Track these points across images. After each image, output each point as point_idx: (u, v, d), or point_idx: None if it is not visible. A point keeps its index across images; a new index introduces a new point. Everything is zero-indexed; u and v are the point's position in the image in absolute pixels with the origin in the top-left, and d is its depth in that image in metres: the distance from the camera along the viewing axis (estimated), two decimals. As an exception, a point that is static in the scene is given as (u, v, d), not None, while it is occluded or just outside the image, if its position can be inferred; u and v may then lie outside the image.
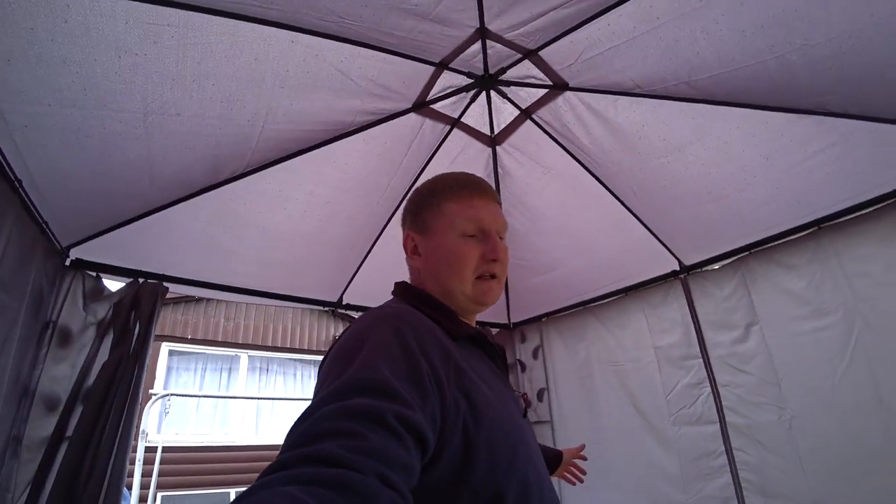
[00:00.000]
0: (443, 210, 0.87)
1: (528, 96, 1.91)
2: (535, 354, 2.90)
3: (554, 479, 1.25)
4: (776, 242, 2.01)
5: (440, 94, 1.86)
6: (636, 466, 2.34)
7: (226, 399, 7.64)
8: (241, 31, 1.35)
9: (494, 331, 3.00)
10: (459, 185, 0.90)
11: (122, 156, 1.51)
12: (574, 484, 1.44)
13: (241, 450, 7.15)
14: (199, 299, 7.43)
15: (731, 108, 1.63)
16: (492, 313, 2.97)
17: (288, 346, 8.18)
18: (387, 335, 0.66)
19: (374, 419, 0.52)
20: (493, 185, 2.23)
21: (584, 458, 1.48)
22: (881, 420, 1.67)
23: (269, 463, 0.47)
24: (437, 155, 2.08)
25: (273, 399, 8.02)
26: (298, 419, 0.55)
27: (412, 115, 1.88)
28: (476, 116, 2.03)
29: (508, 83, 1.86)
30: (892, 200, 1.72)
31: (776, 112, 1.62)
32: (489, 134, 2.10)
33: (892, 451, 1.65)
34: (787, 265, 1.98)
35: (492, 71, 1.78)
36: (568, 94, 1.85)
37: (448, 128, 2.03)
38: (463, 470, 0.63)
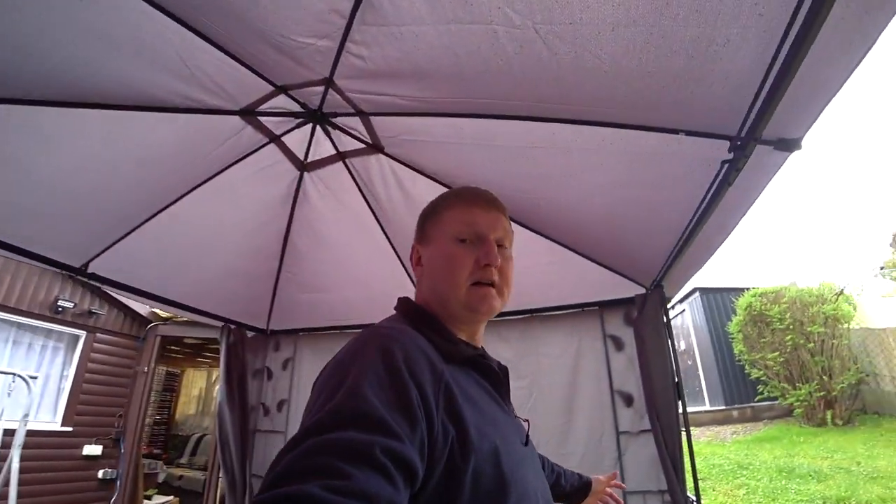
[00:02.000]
0: (442, 217, 0.92)
1: (348, 142, 2.16)
2: (284, 365, 3.00)
3: None
4: (500, 319, 2.73)
5: (270, 110, 1.93)
6: None
7: None
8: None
9: (250, 334, 2.98)
10: (462, 195, 0.94)
11: None
12: None
13: None
14: None
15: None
16: (253, 316, 2.95)
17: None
18: (376, 358, 0.64)
19: (360, 455, 0.50)
20: (290, 206, 2.37)
21: (622, 487, 1.43)
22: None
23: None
24: (245, 160, 2.09)
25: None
26: (283, 449, 0.54)
27: (235, 118, 1.88)
28: (295, 140, 2.15)
29: (335, 126, 2.07)
30: (575, 310, 2.64)
31: (529, 231, 2.28)
32: (302, 159, 2.24)
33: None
34: (504, 337, 2.72)
35: (325, 110, 1.96)
36: (381, 156, 2.18)
37: (266, 140, 2.08)
38: (448, 496, 0.61)
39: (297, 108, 1.94)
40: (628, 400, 2.44)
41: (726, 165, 1.48)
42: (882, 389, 8.22)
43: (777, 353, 8.19)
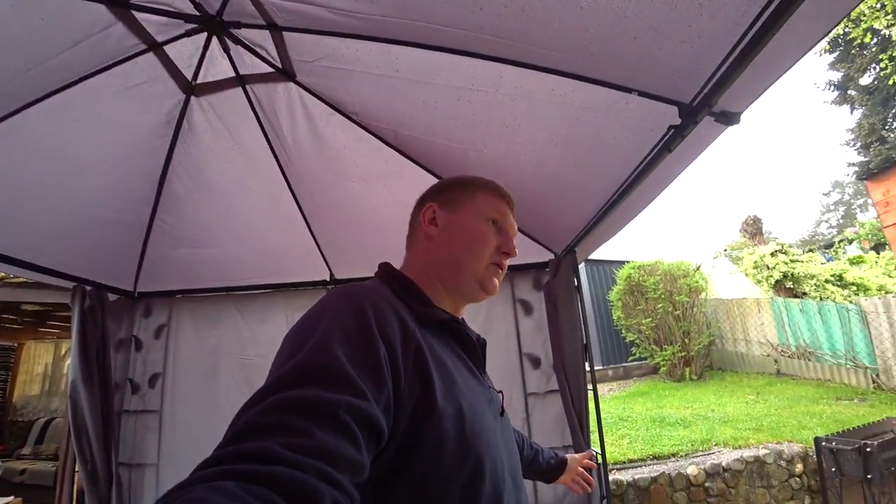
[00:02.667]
0: (476, 195, 0.95)
1: (252, 64, 1.77)
2: (157, 333, 2.51)
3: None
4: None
5: (151, 5, 1.48)
6: None
7: None
8: None
9: (112, 297, 2.42)
10: (496, 187, 1.00)
11: None
12: (579, 493, 1.41)
13: None
14: None
15: (416, 167, 2.04)
16: (115, 275, 2.41)
17: None
18: (346, 314, 0.63)
19: (322, 413, 0.49)
20: (170, 138, 1.93)
21: (593, 466, 1.45)
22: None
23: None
24: (111, 69, 1.60)
25: None
26: (245, 404, 0.52)
27: (101, 9, 1.40)
28: (183, 52, 1.70)
29: (237, 40, 1.67)
30: None
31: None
32: (189, 79, 1.79)
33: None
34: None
35: (225, 18, 1.56)
36: (291, 85, 1.83)
37: (143, 48, 1.61)
38: (409, 458, 0.60)
39: (189, 8, 1.51)
40: (535, 362, 2.48)
41: (672, 131, 1.46)
42: (726, 349, 10.33)
43: (650, 319, 9.43)
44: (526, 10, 1.25)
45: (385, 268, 0.89)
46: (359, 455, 0.50)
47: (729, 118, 1.39)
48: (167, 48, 1.66)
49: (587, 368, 2.20)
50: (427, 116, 1.79)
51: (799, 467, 4.55)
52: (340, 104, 1.87)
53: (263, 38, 1.67)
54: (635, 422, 5.97)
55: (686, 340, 9.27)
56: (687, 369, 9.32)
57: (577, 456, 1.42)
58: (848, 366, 8.27)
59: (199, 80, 1.80)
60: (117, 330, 2.41)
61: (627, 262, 10.42)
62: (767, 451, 4.62)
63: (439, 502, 0.61)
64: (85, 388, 2.10)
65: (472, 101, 1.67)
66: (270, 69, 1.77)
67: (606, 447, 2.55)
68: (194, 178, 2.10)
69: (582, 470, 1.40)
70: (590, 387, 2.20)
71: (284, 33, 1.62)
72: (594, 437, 2.18)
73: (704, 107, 1.33)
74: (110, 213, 2.11)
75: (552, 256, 2.56)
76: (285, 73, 1.78)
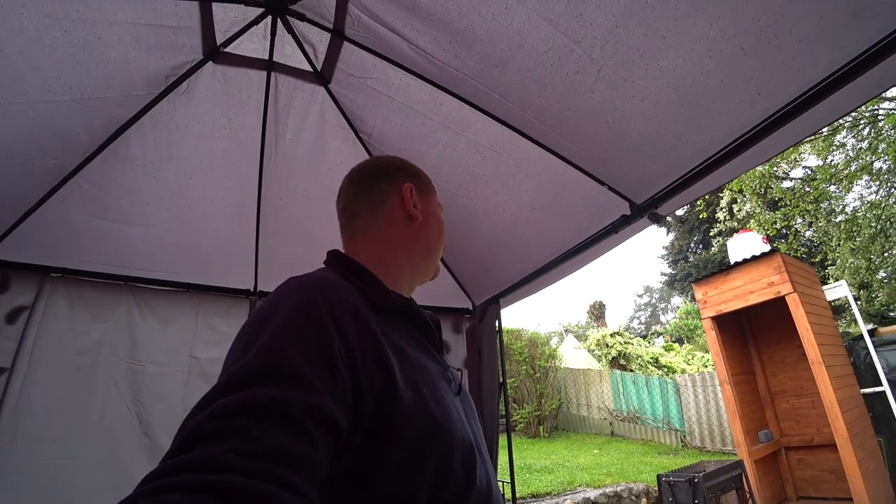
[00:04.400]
0: (431, 190, 0.99)
1: (290, 55, 1.76)
2: (12, 317, 1.87)
3: None
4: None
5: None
6: (114, 487, 1.86)
7: None
8: None
9: None
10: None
11: None
12: None
13: None
14: None
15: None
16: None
17: None
18: (296, 307, 0.60)
19: (273, 413, 0.47)
20: (161, 90, 1.74)
21: None
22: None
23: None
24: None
25: None
26: (193, 409, 0.48)
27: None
28: (226, 18, 1.61)
29: (290, 29, 1.67)
30: None
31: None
32: (218, 43, 1.67)
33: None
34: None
35: (293, 6, 1.58)
36: (320, 89, 1.88)
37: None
38: (377, 448, 0.58)
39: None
40: (452, 399, 2.68)
41: (622, 218, 2.01)
42: (570, 412, 12.51)
43: (513, 380, 10.65)
44: (570, 109, 1.67)
45: (334, 254, 0.85)
46: (314, 454, 0.48)
47: (658, 219, 2.00)
48: (215, 5, 1.57)
49: (501, 409, 2.51)
50: (439, 159, 2.02)
51: (644, 500, 6.41)
52: (360, 122, 1.96)
53: (318, 38, 1.72)
54: (504, 468, 6.96)
55: (541, 401, 10.72)
56: (540, 427, 10.75)
57: None
58: (664, 428, 10.73)
59: (227, 49, 1.70)
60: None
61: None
62: (622, 488, 6.35)
63: (414, 486, 0.60)
64: None
65: (486, 158, 1.98)
66: (308, 68, 1.79)
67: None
68: (159, 143, 1.83)
69: None
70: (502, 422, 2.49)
71: (346, 43, 1.70)
72: (502, 470, 2.44)
73: (650, 207, 1.91)
74: (20, 150, 1.66)
75: (470, 304, 2.90)
76: (321, 76, 1.82)
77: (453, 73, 1.66)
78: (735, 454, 6.59)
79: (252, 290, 2.43)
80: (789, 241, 11.58)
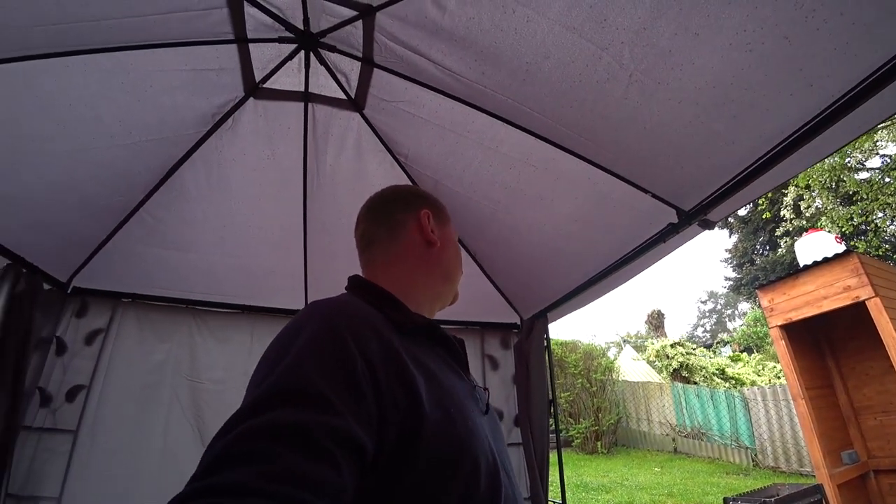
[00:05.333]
0: (446, 216, 1.00)
1: (324, 85, 1.84)
2: (89, 339, 2.07)
3: None
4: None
5: (266, 5, 1.52)
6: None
7: None
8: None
9: (47, 287, 1.97)
10: None
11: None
12: None
13: None
14: None
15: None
16: (52, 260, 2.00)
17: None
18: (320, 331, 0.61)
19: (297, 437, 0.47)
20: (207, 129, 1.85)
21: None
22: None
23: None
24: (190, 47, 1.55)
25: None
26: (219, 432, 0.50)
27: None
28: (263, 56, 1.71)
29: (322, 61, 1.75)
30: (459, 326, 2.68)
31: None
32: (257, 80, 1.78)
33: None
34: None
35: (323, 39, 1.65)
36: (355, 115, 1.94)
37: (231, 38, 1.59)
38: (403, 469, 0.58)
39: (297, 20, 1.58)
40: (499, 416, 2.63)
41: (669, 227, 1.91)
42: (630, 428, 11.84)
43: (568, 393, 10.24)
44: (605, 118, 1.62)
45: (355, 280, 0.87)
46: (338, 478, 0.48)
47: (709, 225, 1.89)
48: (252, 46, 1.67)
49: (551, 425, 2.43)
50: (475, 175, 2.02)
51: (710, 524, 5.65)
52: (395, 145, 2.01)
53: (349, 67, 1.78)
54: (559, 487, 6.62)
55: (598, 416, 10.27)
56: (598, 443, 10.27)
57: None
58: (732, 446, 9.95)
59: (266, 85, 1.80)
60: (40, 327, 1.95)
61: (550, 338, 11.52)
62: (684, 511, 5.73)
63: None
64: (-8, 392, 1.64)
65: (522, 172, 1.96)
66: (342, 96, 1.86)
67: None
68: (211, 177, 1.97)
69: None
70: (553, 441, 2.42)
71: (376, 70, 1.76)
72: (553, 489, 2.36)
73: (698, 215, 1.80)
74: (92, 191, 1.84)
75: (518, 319, 2.85)
76: (355, 103, 1.89)
77: (482, 90, 1.67)
78: (814, 476, 5.92)
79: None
80: (869, 237, 10.56)
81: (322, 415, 0.50)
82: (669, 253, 2.13)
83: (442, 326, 0.83)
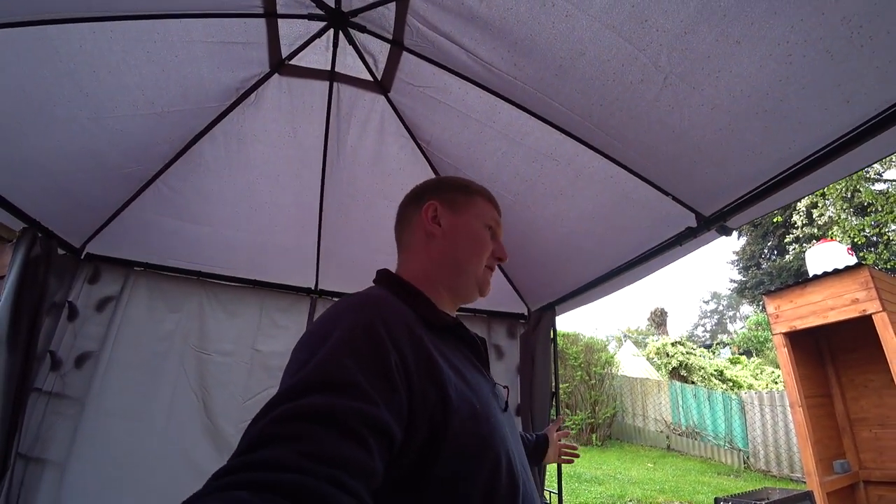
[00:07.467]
0: (475, 200, 0.97)
1: (352, 66, 1.81)
2: (101, 305, 2.09)
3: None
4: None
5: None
6: (176, 466, 2.02)
7: None
8: None
9: (61, 252, 1.98)
10: (489, 195, 1.02)
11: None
12: (572, 463, 1.57)
13: None
14: None
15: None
16: (67, 225, 2.01)
17: None
18: (356, 323, 0.63)
19: (333, 420, 0.49)
20: (231, 103, 1.84)
21: (567, 434, 1.57)
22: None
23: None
24: (218, 18, 1.52)
25: None
26: (258, 414, 0.52)
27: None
28: (291, 32, 1.68)
29: (351, 40, 1.71)
30: (467, 314, 2.69)
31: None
32: (283, 56, 1.76)
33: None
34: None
35: (354, 18, 1.62)
36: (381, 97, 1.92)
37: (260, 11, 1.56)
38: (430, 462, 0.60)
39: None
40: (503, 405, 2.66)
41: (687, 230, 1.89)
42: (626, 422, 11.91)
43: (567, 385, 10.34)
44: (634, 118, 1.59)
45: (385, 274, 0.89)
46: (371, 461, 0.50)
47: (727, 231, 1.87)
48: (281, 21, 1.64)
49: (552, 416, 2.46)
50: (497, 167, 2.00)
51: (698, 523, 5.84)
52: (418, 130, 1.98)
53: (378, 49, 1.75)
54: (553, 476, 6.65)
55: (595, 409, 10.40)
56: (593, 435, 10.43)
57: (551, 429, 1.56)
58: (725, 447, 10.07)
59: (292, 62, 1.78)
60: (53, 292, 1.97)
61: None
62: (675, 508, 5.89)
63: (464, 500, 0.61)
64: (7, 351, 1.67)
65: (545, 166, 1.94)
66: (369, 78, 1.84)
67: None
68: (231, 150, 1.96)
69: (564, 442, 1.55)
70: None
71: (405, 53, 1.72)
72: (550, 479, 2.40)
73: (718, 220, 1.78)
74: (111, 159, 1.83)
75: (525, 309, 2.85)
76: (381, 85, 1.86)
77: (512, 82, 1.64)
78: (804, 483, 5.99)
79: (313, 288, 2.54)
80: (879, 250, 10.46)
81: (357, 402, 0.52)
82: (683, 256, 2.12)
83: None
